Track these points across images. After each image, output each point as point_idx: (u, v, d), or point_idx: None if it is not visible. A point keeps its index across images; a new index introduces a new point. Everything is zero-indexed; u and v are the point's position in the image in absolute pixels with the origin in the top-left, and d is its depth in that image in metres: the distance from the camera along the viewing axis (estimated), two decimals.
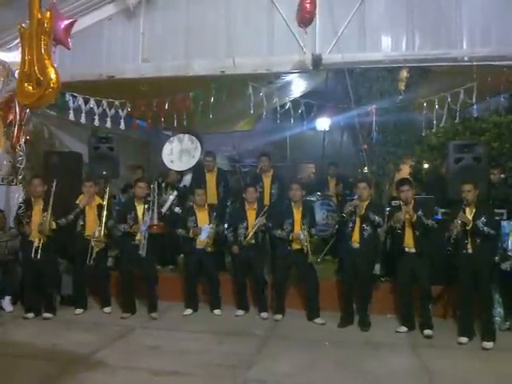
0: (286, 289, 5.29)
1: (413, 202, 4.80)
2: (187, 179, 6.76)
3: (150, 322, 5.10)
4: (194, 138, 6.72)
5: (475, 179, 4.69)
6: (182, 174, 6.77)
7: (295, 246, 5.13)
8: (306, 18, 5.21)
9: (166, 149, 6.80)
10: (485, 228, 4.39)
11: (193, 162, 6.64)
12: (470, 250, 4.47)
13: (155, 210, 5.32)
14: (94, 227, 5.31)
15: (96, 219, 5.37)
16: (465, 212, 4.48)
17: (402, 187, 4.83)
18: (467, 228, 4.44)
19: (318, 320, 5.05)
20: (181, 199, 6.42)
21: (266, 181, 6.16)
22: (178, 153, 6.71)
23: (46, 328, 4.85)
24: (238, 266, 5.43)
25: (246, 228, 5.37)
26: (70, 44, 4.81)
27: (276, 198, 6.00)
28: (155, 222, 5.28)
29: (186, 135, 6.75)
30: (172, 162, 6.72)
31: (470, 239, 4.47)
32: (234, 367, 3.91)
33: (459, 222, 4.43)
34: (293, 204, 5.27)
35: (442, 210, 5.37)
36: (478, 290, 4.45)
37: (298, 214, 5.21)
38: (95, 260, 5.22)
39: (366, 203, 4.99)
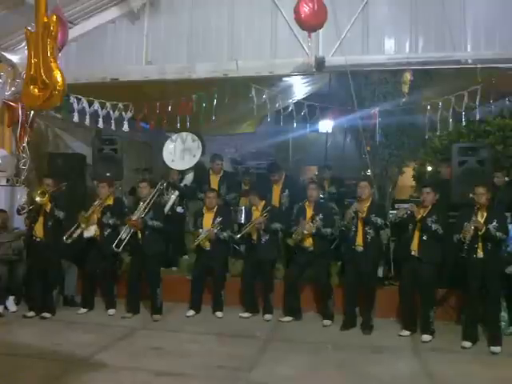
0: (299, 290, 5.26)
1: (430, 207, 4.71)
2: (188, 178, 6.77)
3: (152, 324, 5.11)
4: (196, 138, 6.74)
5: (479, 182, 4.65)
6: (182, 173, 6.79)
7: (306, 245, 5.14)
8: (308, 23, 5.07)
9: (168, 147, 6.82)
10: (497, 233, 4.28)
11: (194, 162, 6.66)
12: (480, 255, 4.36)
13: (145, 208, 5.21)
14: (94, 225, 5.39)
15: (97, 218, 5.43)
16: (476, 216, 4.37)
17: (425, 189, 4.81)
18: (479, 233, 4.33)
19: (325, 321, 5.07)
20: (182, 199, 6.44)
21: (276, 188, 6.16)
22: (181, 152, 6.73)
23: (48, 328, 4.87)
24: (247, 267, 5.44)
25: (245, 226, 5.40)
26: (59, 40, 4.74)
27: (288, 206, 5.98)
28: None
29: (190, 134, 6.77)
30: (173, 161, 6.74)
31: (480, 244, 4.35)
32: (235, 369, 3.91)
33: (472, 226, 4.31)
34: (307, 203, 5.30)
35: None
36: (487, 295, 4.37)
37: (309, 213, 5.24)
38: (92, 261, 5.30)
39: (368, 204, 4.98)
